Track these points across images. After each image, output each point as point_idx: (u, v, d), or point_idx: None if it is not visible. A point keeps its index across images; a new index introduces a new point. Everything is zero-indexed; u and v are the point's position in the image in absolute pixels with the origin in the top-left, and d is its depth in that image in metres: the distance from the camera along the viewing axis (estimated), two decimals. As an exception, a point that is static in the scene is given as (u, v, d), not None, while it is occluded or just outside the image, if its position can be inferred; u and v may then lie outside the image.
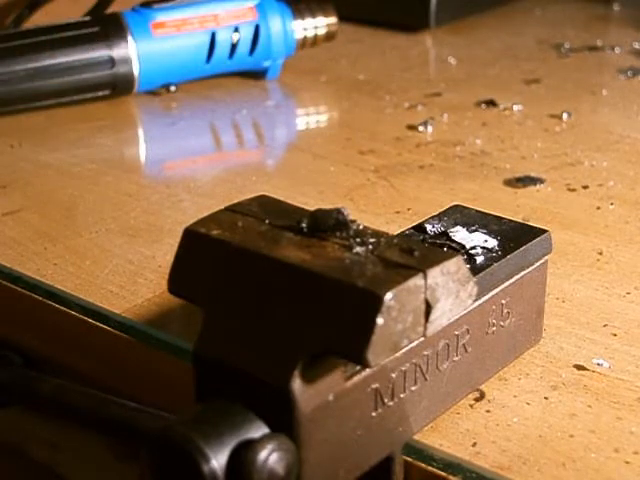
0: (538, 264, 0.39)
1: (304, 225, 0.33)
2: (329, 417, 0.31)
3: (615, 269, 0.46)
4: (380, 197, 0.54)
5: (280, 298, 0.31)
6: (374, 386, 0.33)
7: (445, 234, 0.38)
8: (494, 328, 0.37)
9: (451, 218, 0.39)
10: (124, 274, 0.46)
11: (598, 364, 0.39)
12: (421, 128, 0.63)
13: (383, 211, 0.52)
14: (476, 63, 0.77)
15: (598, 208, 0.52)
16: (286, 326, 0.31)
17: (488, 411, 0.37)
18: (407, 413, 0.34)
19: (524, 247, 0.38)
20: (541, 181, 0.55)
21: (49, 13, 0.74)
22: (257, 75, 0.73)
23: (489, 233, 0.39)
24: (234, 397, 0.31)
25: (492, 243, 0.38)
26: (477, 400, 0.37)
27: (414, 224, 0.39)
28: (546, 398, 0.37)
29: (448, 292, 0.31)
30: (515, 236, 0.38)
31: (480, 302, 0.36)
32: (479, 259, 0.37)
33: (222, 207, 0.35)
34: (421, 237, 0.38)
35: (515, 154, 0.59)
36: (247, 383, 0.31)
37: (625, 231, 0.50)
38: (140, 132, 0.67)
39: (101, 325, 0.42)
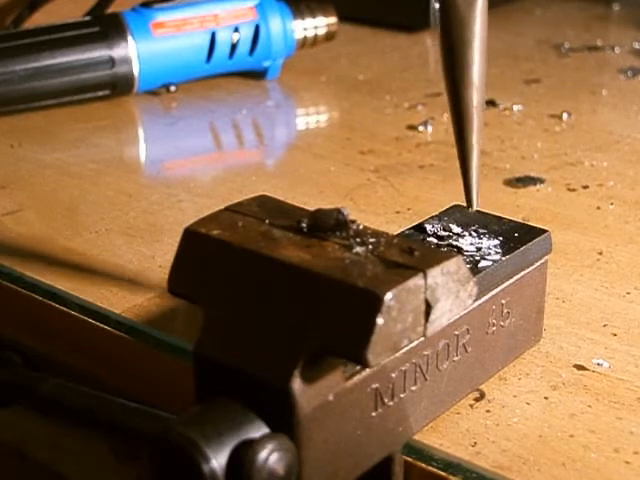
0: (538, 264, 0.39)
1: (304, 225, 0.33)
2: (329, 417, 0.31)
3: (615, 269, 0.46)
4: (380, 197, 0.54)
5: (280, 298, 0.31)
6: (374, 386, 0.33)
7: (448, 230, 0.38)
8: (494, 328, 0.37)
9: (451, 218, 0.39)
10: (124, 274, 0.46)
11: (598, 364, 0.39)
12: (421, 128, 0.63)
13: (383, 211, 0.52)
14: (476, 63, 0.77)
15: (598, 208, 0.52)
16: (286, 326, 0.31)
17: (488, 411, 0.37)
18: (407, 413, 0.34)
19: (524, 247, 0.38)
20: (541, 181, 0.55)
21: (49, 13, 0.74)
22: (257, 75, 0.73)
23: (489, 233, 0.39)
24: (234, 397, 0.31)
25: (492, 243, 0.38)
26: (477, 400, 0.37)
27: (414, 224, 0.39)
28: (546, 398, 0.37)
29: (448, 292, 0.31)
30: (515, 236, 0.38)
31: (480, 302, 0.36)
32: (479, 259, 0.37)
33: (222, 207, 0.35)
34: (421, 237, 0.38)
35: (515, 154, 0.59)
36: (247, 383, 0.31)
37: (625, 231, 0.50)
38: (140, 132, 0.67)
39: (101, 325, 0.42)
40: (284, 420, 0.30)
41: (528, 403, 0.37)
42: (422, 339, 0.31)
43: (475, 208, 0.38)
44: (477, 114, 0.37)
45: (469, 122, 0.37)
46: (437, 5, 0.37)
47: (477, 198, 0.38)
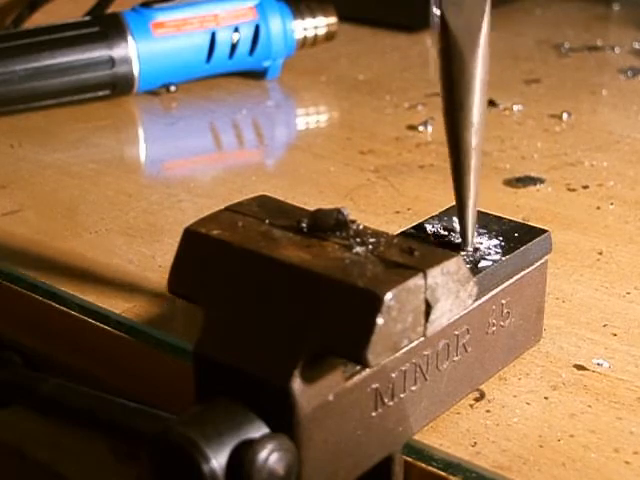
0: (538, 264, 0.39)
1: (304, 225, 0.33)
2: (329, 417, 0.31)
3: (615, 269, 0.46)
4: (380, 197, 0.54)
5: (280, 298, 0.31)
6: (374, 386, 0.33)
7: (448, 229, 0.38)
8: (494, 328, 0.37)
9: (451, 218, 0.39)
10: (124, 274, 0.46)
11: (598, 364, 0.39)
12: (421, 128, 0.63)
13: (383, 211, 0.52)
14: (476, 63, 0.77)
15: (598, 208, 0.52)
16: (286, 326, 0.31)
17: (488, 411, 0.37)
18: (407, 413, 0.34)
19: (524, 247, 0.38)
20: (541, 181, 0.55)
21: (49, 13, 0.74)
22: (257, 75, 0.73)
23: (489, 233, 0.39)
24: (234, 397, 0.31)
25: (492, 243, 0.38)
26: (477, 400, 0.37)
27: (414, 224, 0.39)
28: (546, 398, 0.37)
29: (448, 292, 0.31)
30: (515, 236, 0.38)
31: (480, 302, 0.36)
32: (479, 259, 0.37)
33: (222, 207, 0.35)
34: (421, 237, 0.38)
35: (515, 154, 0.59)
36: (247, 383, 0.31)
37: (625, 231, 0.50)
38: (140, 132, 0.67)
39: (101, 325, 0.42)
40: (284, 420, 0.30)
41: (528, 403, 0.37)
42: (422, 339, 0.31)
43: (470, 248, 0.38)
44: (475, 155, 0.37)
45: (467, 163, 0.37)
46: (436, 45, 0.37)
47: (472, 238, 0.38)
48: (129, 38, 0.66)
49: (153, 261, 0.47)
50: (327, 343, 0.30)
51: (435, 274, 0.31)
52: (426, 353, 0.34)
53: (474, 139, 0.36)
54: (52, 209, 0.53)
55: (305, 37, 0.73)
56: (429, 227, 0.39)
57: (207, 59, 0.69)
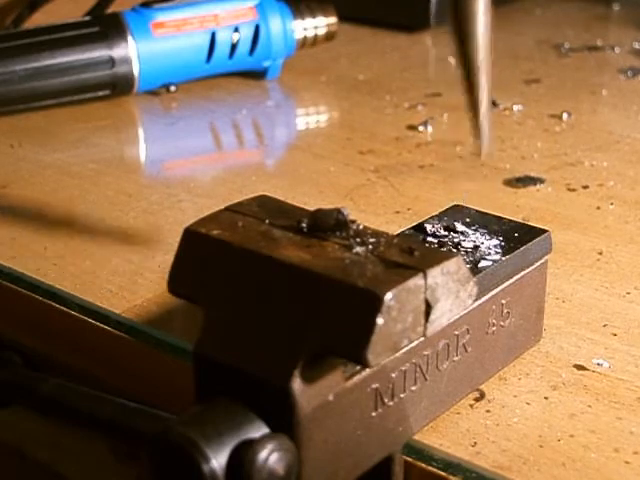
0: (538, 264, 0.39)
1: (304, 225, 0.33)
2: (329, 417, 0.31)
3: (615, 269, 0.46)
4: (380, 197, 0.54)
5: (280, 298, 0.31)
6: (374, 386, 0.33)
7: (448, 229, 0.38)
8: (494, 328, 0.37)
9: (451, 218, 0.39)
10: (124, 274, 0.46)
11: (598, 364, 0.39)
12: (421, 128, 0.63)
13: (383, 211, 0.52)
14: (476, 63, 0.77)
15: (598, 208, 0.52)
16: (286, 326, 0.31)
17: (488, 411, 0.37)
18: (407, 413, 0.34)
19: (524, 247, 0.38)
20: (541, 181, 0.55)
21: (49, 13, 0.74)
22: (257, 75, 0.73)
23: (489, 233, 0.39)
24: (234, 397, 0.31)
25: (492, 243, 0.38)
26: (477, 400, 0.37)
27: (414, 224, 0.39)
28: (546, 398, 0.37)
29: (448, 292, 0.31)
30: (515, 236, 0.38)
31: (480, 302, 0.36)
32: (479, 259, 0.37)
33: (222, 207, 0.35)
34: (421, 237, 0.38)
35: (515, 154, 0.59)
36: (247, 383, 0.31)
37: (625, 231, 0.50)
38: (140, 132, 0.67)
39: (101, 325, 0.42)
40: (284, 420, 0.30)
41: (528, 403, 0.37)
42: (422, 339, 0.31)
43: (485, 154, 0.38)
44: (483, 69, 0.37)
45: (475, 78, 0.37)
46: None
47: (488, 143, 0.38)
48: (129, 38, 0.66)
49: (153, 261, 0.47)
50: (327, 343, 0.30)
51: (435, 274, 0.31)
52: (426, 353, 0.34)
53: (481, 54, 0.37)
54: (52, 209, 0.53)
55: (305, 37, 0.73)
56: (429, 227, 0.39)
57: (207, 59, 0.69)
